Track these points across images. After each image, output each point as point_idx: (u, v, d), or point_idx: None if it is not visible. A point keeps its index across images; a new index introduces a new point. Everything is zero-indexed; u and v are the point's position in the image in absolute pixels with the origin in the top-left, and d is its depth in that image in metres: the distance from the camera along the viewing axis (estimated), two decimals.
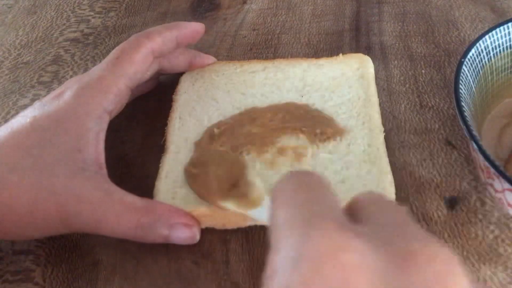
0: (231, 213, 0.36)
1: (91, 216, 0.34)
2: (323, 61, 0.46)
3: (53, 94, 0.40)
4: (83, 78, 0.40)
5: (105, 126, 0.39)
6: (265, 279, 0.20)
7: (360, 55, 0.46)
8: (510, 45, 0.39)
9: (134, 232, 0.35)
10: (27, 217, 0.34)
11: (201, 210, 0.36)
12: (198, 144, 0.41)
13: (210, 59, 0.47)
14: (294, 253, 0.19)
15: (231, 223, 0.37)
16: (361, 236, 0.20)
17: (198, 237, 0.36)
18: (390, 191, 0.36)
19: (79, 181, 0.35)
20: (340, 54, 0.46)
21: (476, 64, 0.37)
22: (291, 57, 0.49)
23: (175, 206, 0.36)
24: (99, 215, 0.34)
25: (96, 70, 0.41)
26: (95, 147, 0.37)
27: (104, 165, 0.38)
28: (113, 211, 0.34)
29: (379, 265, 0.19)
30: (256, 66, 0.46)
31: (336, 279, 0.18)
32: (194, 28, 0.45)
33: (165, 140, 0.42)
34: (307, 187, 0.23)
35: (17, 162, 0.35)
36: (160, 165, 0.40)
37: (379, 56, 0.49)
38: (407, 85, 0.46)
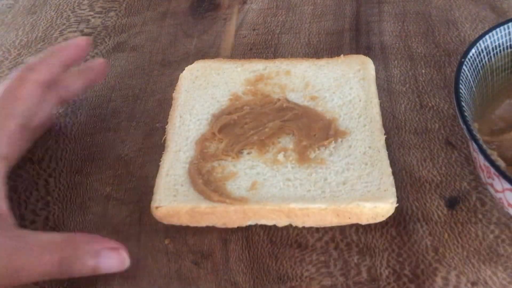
0: (232, 212, 0.36)
1: (9, 266, 0.32)
2: (324, 61, 0.46)
3: None
4: None
5: (2, 172, 0.36)
6: None
7: (361, 56, 0.46)
8: (510, 45, 0.39)
9: (58, 268, 0.33)
10: None
11: (202, 207, 0.36)
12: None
13: (99, 62, 0.45)
14: None
15: (232, 222, 0.37)
16: None
17: (127, 261, 0.35)
18: (390, 192, 0.36)
19: None
20: (342, 55, 0.46)
21: (476, 64, 0.37)
22: (291, 57, 0.49)
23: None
24: (18, 263, 0.32)
25: None
26: None
27: (7, 212, 0.35)
28: (33, 254, 0.32)
29: None
30: (257, 65, 0.46)
31: None
32: (77, 45, 0.42)
33: (165, 139, 0.42)
34: None
35: None
36: (161, 163, 0.40)
37: (379, 56, 0.49)
38: (407, 85, 0.46)
